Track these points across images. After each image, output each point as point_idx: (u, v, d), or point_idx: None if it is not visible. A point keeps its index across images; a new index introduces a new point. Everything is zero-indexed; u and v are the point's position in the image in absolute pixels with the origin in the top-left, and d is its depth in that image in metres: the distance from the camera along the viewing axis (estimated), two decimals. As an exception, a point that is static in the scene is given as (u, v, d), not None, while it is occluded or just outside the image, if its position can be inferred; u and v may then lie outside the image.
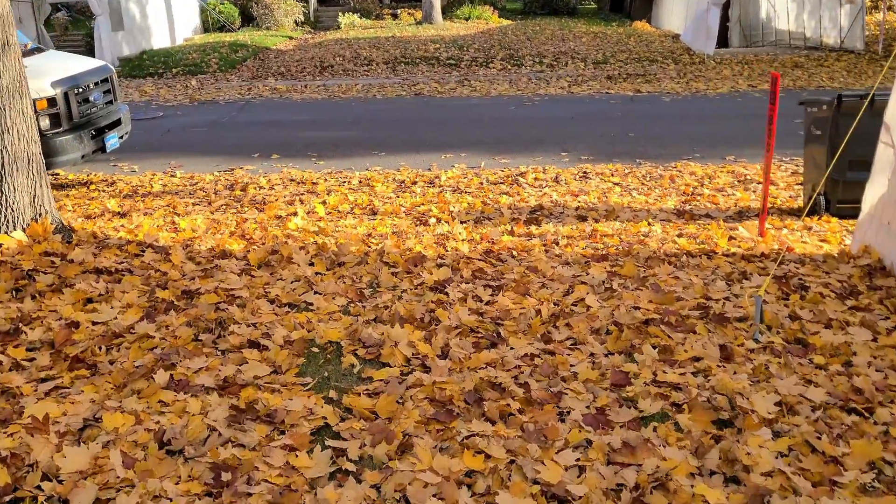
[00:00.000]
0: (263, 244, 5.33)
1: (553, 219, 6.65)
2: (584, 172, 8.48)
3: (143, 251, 4.97)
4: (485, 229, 6.15)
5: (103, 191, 8.33)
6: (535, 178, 8.28)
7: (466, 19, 26.20)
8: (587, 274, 4.84)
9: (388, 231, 6.04)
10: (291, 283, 4.55)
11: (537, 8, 28.76)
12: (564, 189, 7.85)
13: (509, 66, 17.16)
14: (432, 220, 6.58)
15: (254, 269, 4.77)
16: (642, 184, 7.98)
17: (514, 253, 5.33)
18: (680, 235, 5.71)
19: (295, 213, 6.87)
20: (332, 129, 11.49)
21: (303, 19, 26.29)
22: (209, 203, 7.40)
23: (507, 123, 11.46)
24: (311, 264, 4.89)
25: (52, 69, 8.17)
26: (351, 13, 26.64)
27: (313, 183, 8.33)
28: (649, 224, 6.26)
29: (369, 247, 5.39)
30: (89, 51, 18.58)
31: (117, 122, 8.83)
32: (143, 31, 20.54)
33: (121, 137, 8.94)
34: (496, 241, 5.61)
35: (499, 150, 9.77)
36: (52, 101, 7.80)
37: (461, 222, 6.51)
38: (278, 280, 4.57)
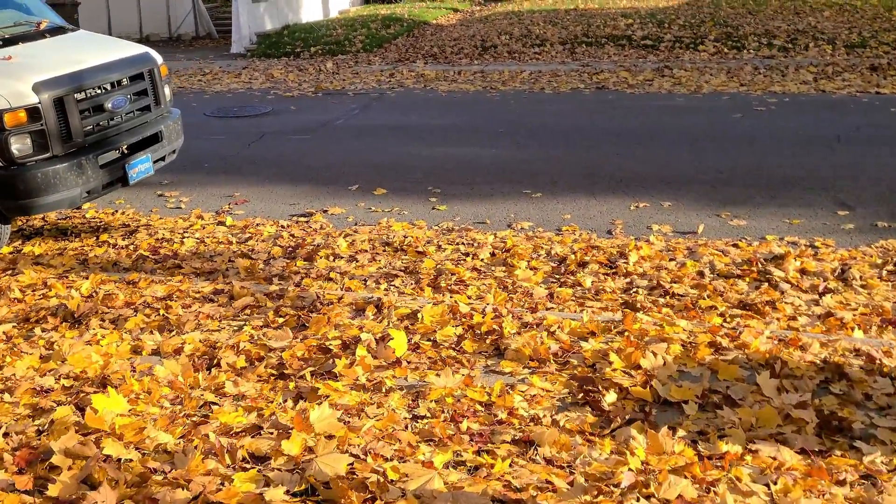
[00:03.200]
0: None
1: (879, 415, 3.05)
2: (897, 264, 4.69)
3: None
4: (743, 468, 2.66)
5: (115, 245, 5.59)
6: (802, 270, 4.62)
7: (666, -12, 21.83)
8: None
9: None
10: None
11: (755, -26, 23.74)
12: (864, 301, 4.19)
13: (725, 50, 13.06)
14: (608, 399, 3.18)
15: None
16: None
17: None
18: None
19: (357, 340, 3.72)
20: (473, 142, 8.21)
21: (474, -12, 23.07)
22: (231, 297, 4.38)
23: (732, 143, 7.66)
24: None
25: (47, 62, 5.47)
26: (529, -19, 23.05)
27: (418, 252, 5.14)
28: None
29: None
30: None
31: (153, 139, 6.05)
32: (290, 3, 18.16)
33: (160, 160, 6.17)
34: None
35: (724, 196, 6.11)
36: (32, 113, 5.08)
37: (674, 411, 3.07)
38: None
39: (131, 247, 5.52)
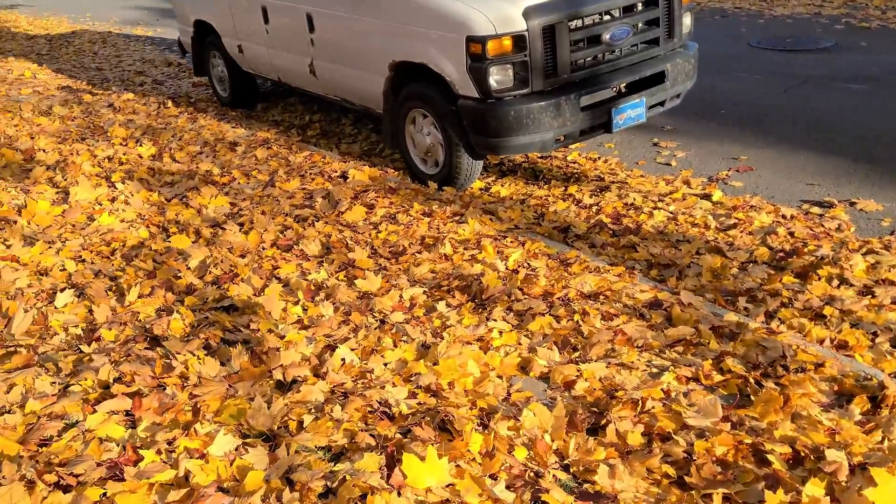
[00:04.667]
0: None
1: None
2: None
3: None
4: None
5: (579, 202, 4.87)
6: None
7: None
8: None
9: None
10: None
11: None
12: None
13: None
14: None
15: None
16: None
17: None
18: None
19: (818, 456, 2.37)
20: None
21: None
22: (669, 318, 3.27)
23: None
24: None
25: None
26: None
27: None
28: None
29: None
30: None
31: (654, 79, 5.06)
32: None
33: (657, 105, 5.18)
34: None
35: None
36: (518, 41, 4.52)
37: None
38: None
39: (595, 208, 4.71)
